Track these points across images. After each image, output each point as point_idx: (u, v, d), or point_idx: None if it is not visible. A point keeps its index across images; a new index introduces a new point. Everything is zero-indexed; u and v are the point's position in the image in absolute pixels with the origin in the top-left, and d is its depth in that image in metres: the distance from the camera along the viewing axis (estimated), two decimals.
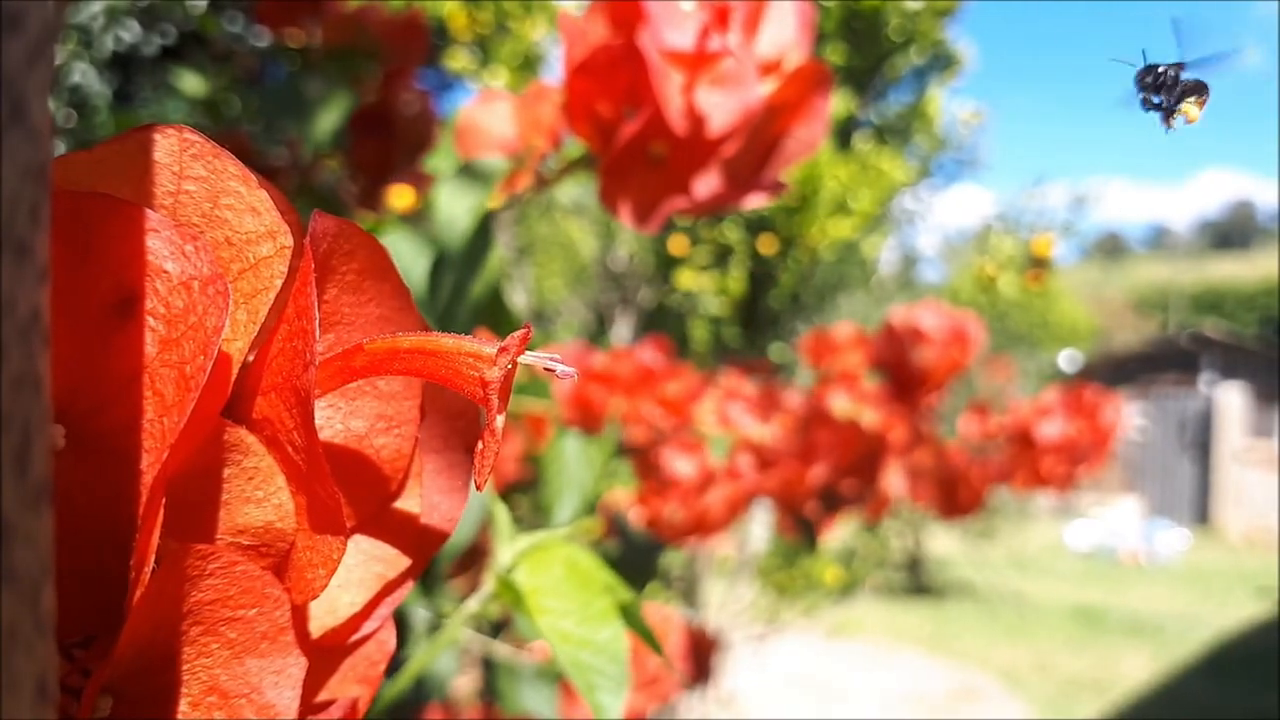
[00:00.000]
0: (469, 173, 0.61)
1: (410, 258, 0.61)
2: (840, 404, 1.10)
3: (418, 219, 0.88)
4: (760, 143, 0.55)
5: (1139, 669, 4.69)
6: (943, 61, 3.95)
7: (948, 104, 4.12)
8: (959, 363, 1.18)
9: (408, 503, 0.23)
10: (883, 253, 4.34)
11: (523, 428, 1.03)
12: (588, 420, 0.98)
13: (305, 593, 0.20)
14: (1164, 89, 0.37)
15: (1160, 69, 0.37)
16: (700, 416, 1.06)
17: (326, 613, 0.21)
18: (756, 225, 3.16)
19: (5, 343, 0.12)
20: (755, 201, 0.55)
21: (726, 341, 3.30)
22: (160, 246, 0.17)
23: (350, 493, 0.21)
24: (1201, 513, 9.56)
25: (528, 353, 0.19)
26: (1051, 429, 1.23)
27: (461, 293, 0.59)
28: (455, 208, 0.59)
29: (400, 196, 0.90)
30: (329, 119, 0.90)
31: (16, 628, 0.12)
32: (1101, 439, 1.27)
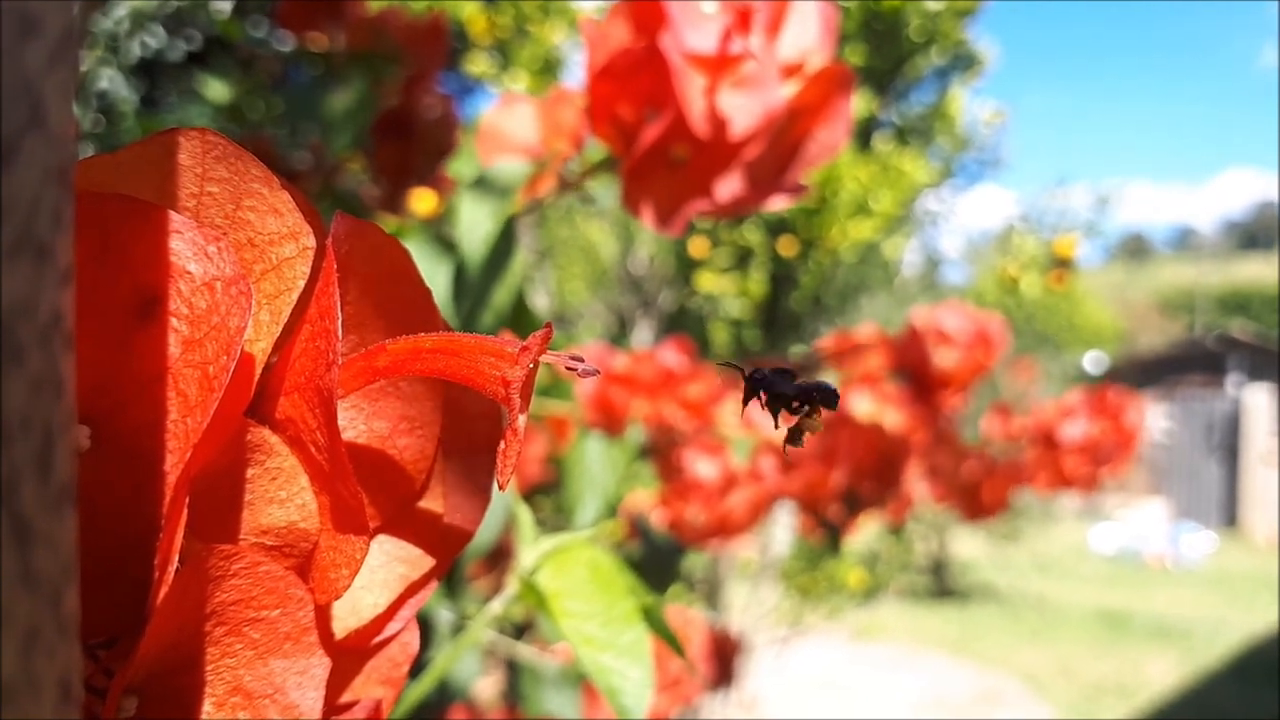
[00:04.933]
0: (491, 178, 0.61)
1: (432, 264, 0.61)
2: (862, 406, 1.10)
3: (439, 223, 0.88)
4: (782, 145, 0.55)
5: (1164, 673, 4.65)
6: (964, 62, 3.94)
7: (969, 104, 4.11)
8: (982, 365, 1.17)
9: (431, 503, 0.23)
10: (905, 254, 4.32)
11: (545, 430, 1.03)
12: (610, 422, 0.98)
13: (329, 593, 0.19)
14: (771, 400, 0.30)
15: (762, 378, 0.30)
16: (722, 418, 1.05)
17: (350, 613, 0.21)
18: (777, 227, 3.15)
19: (26, 345, 0.12)
20: (777, 204, 0.55)
21: (747, 344, 3.29)
22: (183, 248, 0.17)
23: (373, 493, 0.21)
24: (1229, 515, 9.46)
25: (549, 353, 0.19)
26: (1074, 430, 1.22)
27: (485, 299, 0.60)
28: (477, 214, 0.59)
29: (422, 200, 0.91)
30: (351, 123, 0.90)
31: (39, 629, 0.12)
32: (1125, 440, 1.26)
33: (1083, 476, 1.23)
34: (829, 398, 0.30)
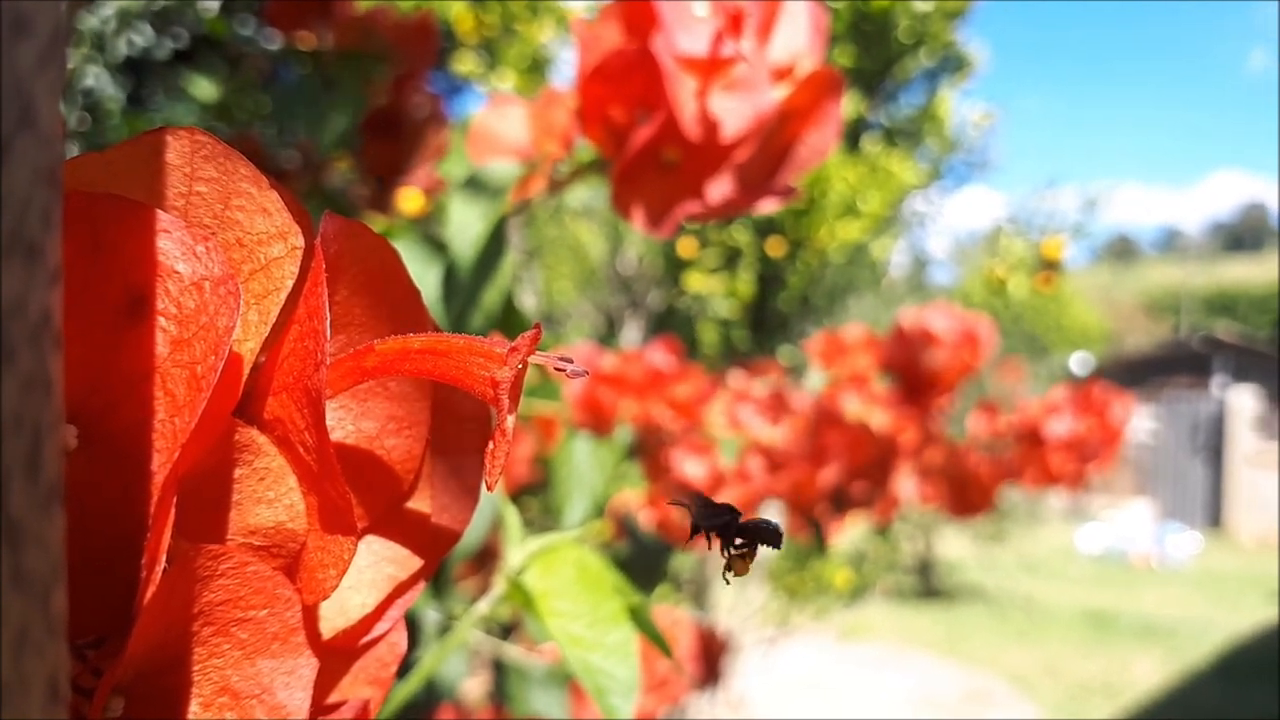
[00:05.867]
0: (481, 179, 0.61)
1: (422, 265, 0.61)
2: (850, 406, 1.10)
3: (427, 222, 0.88)
4: (772, 148, 0.55)
5: (1150, 673, 4.67)
6: (953, 63, 3.95)
7: (958, 106, 4.12)
8: (969, 365, 1.18)
9: (419, 504, 0.23)
10: (893, 255, 4.33)
11: (533, 430, 1.03)
12: (598, 422, 0.98)
13: (316, 593, 0.20)
14: (717, 529, 0.33)
15: (711, 509, 0.33)
16: (710, 418, 1.06)
17: (338, 614, 0.21)
18: (765, 227, 3.16)
19: (16, 345, 0.12)
20: (767, 206, 0.55)
21: (736, 344, 3.29)
22: (172, 247, 0.17)
23: (361, 493, 0.21)
24: (1213, 516, 9.51)
25: (538, 353, 0.19)
26: (1060, 426, 1.22)
27: (475, 300, 0.59)
28: (468, 215, 0.59)
29: (410, 200, 0.91)
30: (340, 122, 0.90)
31: (28, 629, 0.12)
32: (1110, 436, 1.26)
33: (1068, 473, 1.23)
34: (771, 537, 0.32)
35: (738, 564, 0.32)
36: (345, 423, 0.22)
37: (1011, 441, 1.25)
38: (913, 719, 4.03)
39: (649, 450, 1.05)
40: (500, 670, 0.96)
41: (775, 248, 3.15)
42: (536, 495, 1.16)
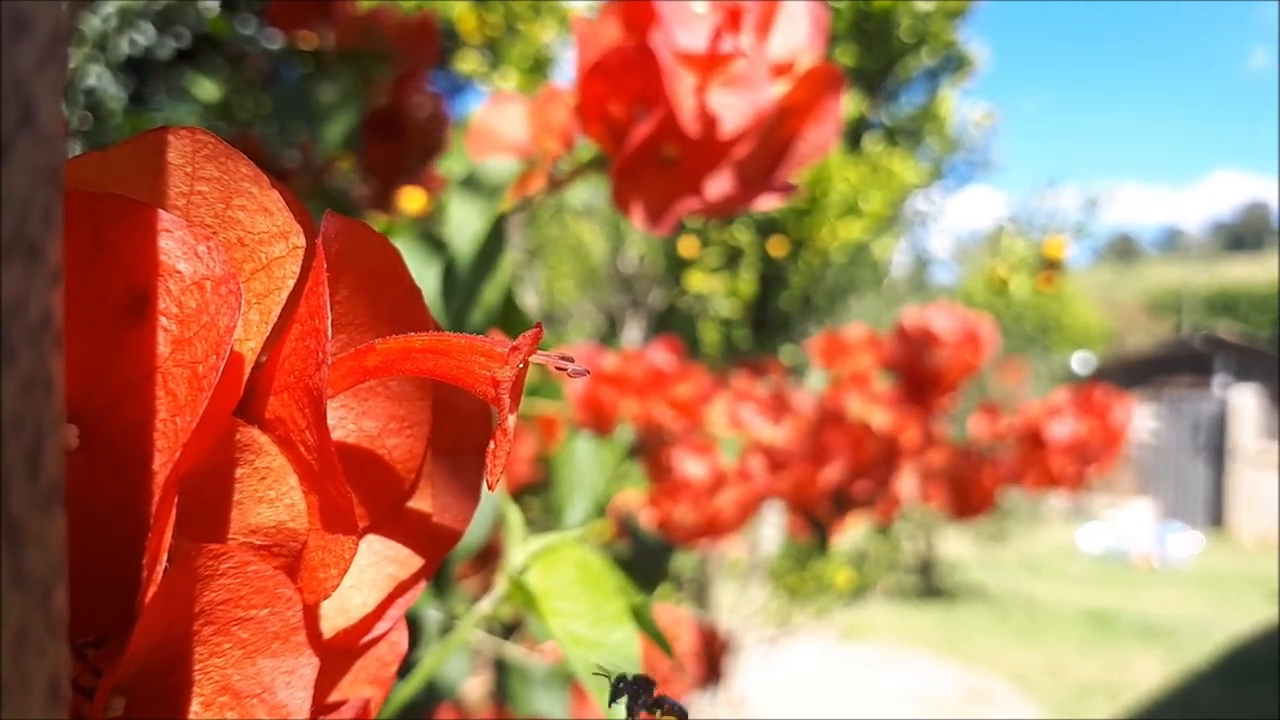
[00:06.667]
0: (480, 177, 0.61)
1: (422, 263, 0.61)
2: (852, 405, 1.10)
3: (429, 221, 0.88)
4: (772, 144, 0.55)
5: (1151, 672, 4.67)
6: (954, 63, 3.95)
7: (960, 105, 4.12)
8: (971, 364, 1.18)
9: (420, 503, 0.23)
10: (894, 255, 4.34)
11: (534, 429, 1.03)
12: (599, 422, 0.98)
13: (317, 592, 0.19)
14: (632, 701, 0.33)
15: (626, 684, 0.33)
16: (711, 418, 1.06)
17: (338, 613, 0.21)
18: (767, 227, 3.16)
19: (16, 345, 0.12)
20: (767, 203, 0.55)
21: (737, 343, 3.30)
22: (173, 247, 0.17)
23: (363, 493, 0.21)
24: (1215, 516, 9.51)
25: (539, 352, 0.19)
26: (1061, 429, 1.22)
27: (474, 297, 0.59)
28: (467, 212, 0.59)
29: (411, 199, 0.91)
30: (341, 121, 0.90)
31: (28, 629, 0.12)
32: (1112, 439, 1.26)
33: (1070, 476, 1.23)
34: (679, 713, 0.34)
35: None
36: (346, 422, 0.22)
37: (1012, 444, 1.25)
38: (913, 719, 4.03)
39: (650, 450, 1.05)
40: (502, 670, 0.96)
41: (777, 247, 3.15)
42: (538, 495, 1.16)
